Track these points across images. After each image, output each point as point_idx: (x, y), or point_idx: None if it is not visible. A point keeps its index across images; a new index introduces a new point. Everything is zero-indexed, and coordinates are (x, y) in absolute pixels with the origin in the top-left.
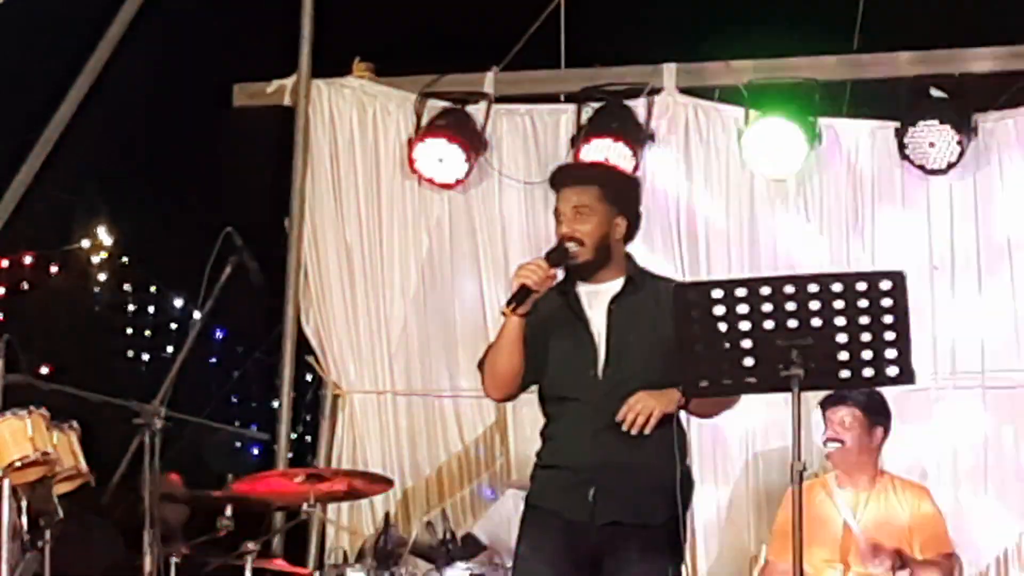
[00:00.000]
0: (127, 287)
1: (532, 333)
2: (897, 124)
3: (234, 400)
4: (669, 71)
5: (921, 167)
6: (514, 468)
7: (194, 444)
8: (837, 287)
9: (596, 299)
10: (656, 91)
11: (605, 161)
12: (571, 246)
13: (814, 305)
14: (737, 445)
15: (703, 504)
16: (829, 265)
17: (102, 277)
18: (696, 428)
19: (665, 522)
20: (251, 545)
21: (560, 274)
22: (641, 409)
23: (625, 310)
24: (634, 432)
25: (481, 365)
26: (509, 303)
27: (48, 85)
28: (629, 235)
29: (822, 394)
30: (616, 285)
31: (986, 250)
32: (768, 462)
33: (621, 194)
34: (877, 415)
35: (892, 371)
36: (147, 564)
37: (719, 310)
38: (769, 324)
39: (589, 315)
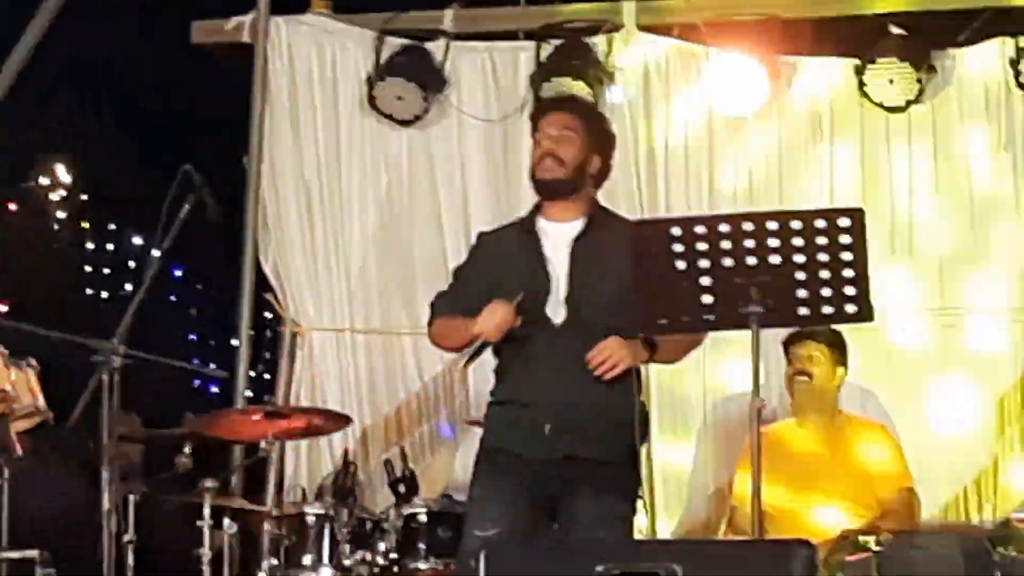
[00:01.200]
0: (86, 225)
1: (490, 270)
2: (857, 61)
3: (192, 338)
4: (628, 8)
5: (880, 104)
6: (473, 405)
7: (153, 382)
8: (796, 224)
9: (557, 238)
10: (615, 28)
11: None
12: (546, 164)
13: (773, 242)
14: (695, 381)
15: (659, 441)
16: (789, 203)
17: (61, 215)
18: (655, 367)
19: (621, 459)
20: (209, 483)
21: (527, 202)
22: (610, 356)
23: (586, 249)
24: (601, 375)
25: (433, 311)
26: (465, 357)
27: (5, 23)
28: (599, 179)
29: (783, 334)
30: (578, 224)
31: (943, 188)
32: (728, 403)
33: (601, 135)
34: (841, 353)
35: (851, 308)
36: (105, 502)
37: (678, 247)
38: (728, 261)
39: (548, 254)
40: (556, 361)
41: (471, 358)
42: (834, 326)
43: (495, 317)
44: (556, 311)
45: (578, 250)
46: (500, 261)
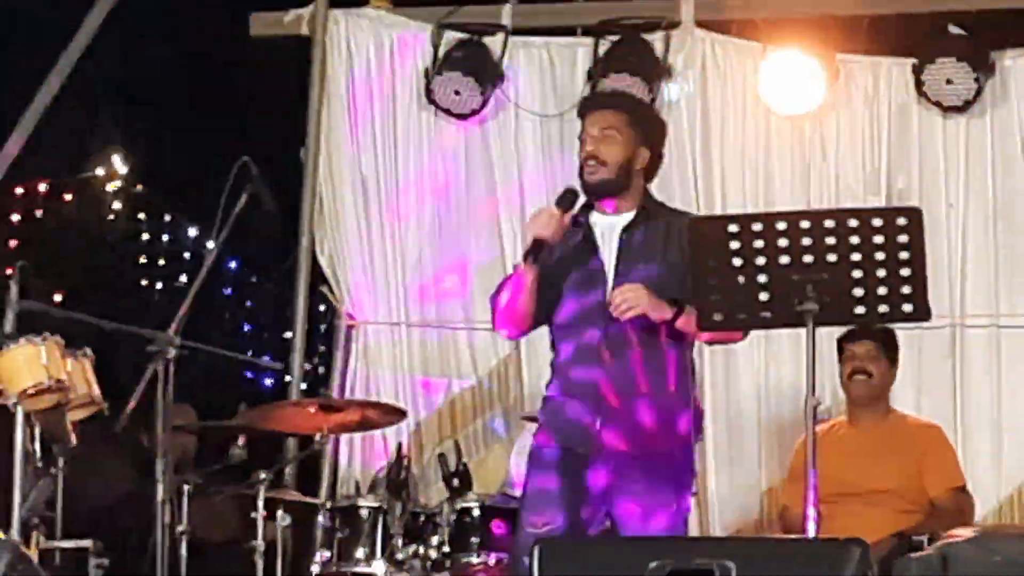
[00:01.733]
0: (141, 216)
1: (549, 269)
2: (915, 61)
3: (247, 329)
4: (687, 4)
5: (938, 104)
6: (527, 401)
7: (208, 373)
8: (853, 223)
9: (609, 230)
10: (674, 25)
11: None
12: (590, 166)
13: (830, 240)
14: (749, 379)
15: (713, 438)
16: (845, 202)
17: (116, 205)
18: (708, 360)
19: (674, 452)
20: (263, 475)
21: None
22: (629, 297)
23: (635, 240)
24: (614, 314)
25: (493, 300)
26: (525, 258)
27: (64, 13)
28: (650, 171)
29: (837, 332)
30: (627, 217)
31: (1000, 190)
32: (780, 396)
33: (647, 126)
34: (894, 353)
35: (907, 307)
36: (159, 492)
37: (735, 244)
38: (784, 259)
39: (600, 245)
40: (606, 352)
41: (533, 258)
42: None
43: (541, 216)
44: (603, 303)
45: (626, 240)
46: (557, 256)
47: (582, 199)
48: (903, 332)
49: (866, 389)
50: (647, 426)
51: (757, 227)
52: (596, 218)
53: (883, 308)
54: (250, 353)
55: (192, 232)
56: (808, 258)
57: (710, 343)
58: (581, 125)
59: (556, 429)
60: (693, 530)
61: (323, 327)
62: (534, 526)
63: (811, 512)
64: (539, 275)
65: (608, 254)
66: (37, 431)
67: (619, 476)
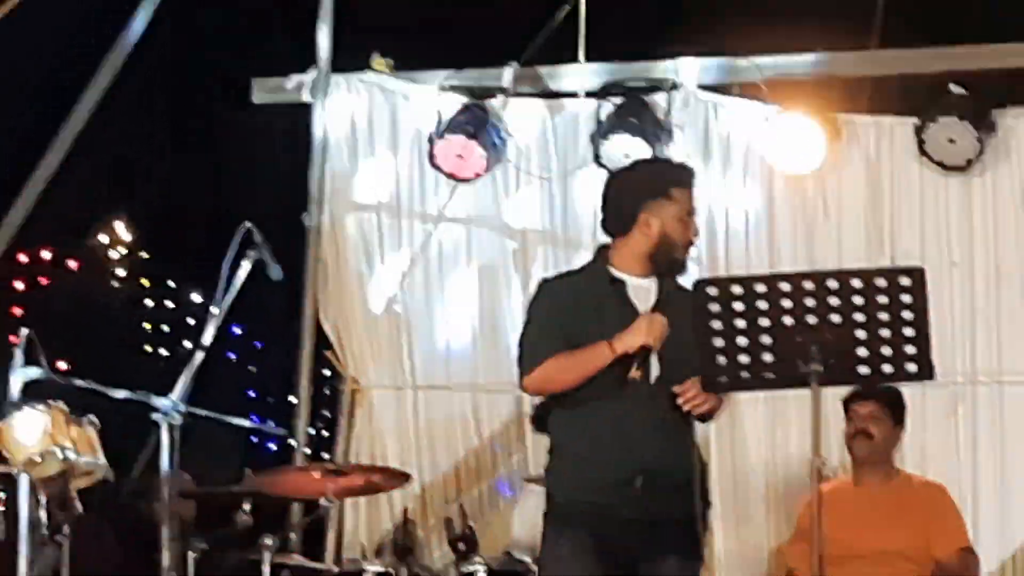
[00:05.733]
0: (145, 282)
1: (577, 318)
2: (916, 120)
3: (252, 395)
4: (689, 66)
5: (940, 163)
6: (531, 463)
7: (211, 439)
8: (857, 283)
9: (644, 293)
10: (676, 86)
11: None
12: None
13: (833, 301)
14: (755, 439)
15: (720, 498)
16: (848, 262)
17: (120, 272)
18: (715, 428)
19: (693, 517)
20: (269, 540)
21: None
22: (701, 397)
23: (670, 307)
24: (685, 407)
25: (534, 354)
26: (631, 362)
27: (68, 81)
28: None
29: (841, 392)
30: (651, 281)
31: (1003, 248)
32: (787, 457)
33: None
34: (900, 413)
35: (911, 367)
36: (165, 559)
37: (738, 306)
38: (788, 320)
39: (635, 303)
40: (645, 421)
41: (639, 366)
42: (892, 384)
43: (653, 324)
44: (651, 366)
45: (664, 306)
46: (585, 309)
47: None
48: (907, 392)
49: (868, 449)
50: (681, 490)
51: (761, 288)
52: (621, 276)
53: (887, 368)
54: (254, 418)
55: (195, 298)
56: (812, 319)
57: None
58: (672, 197)
59: (583, 488)
60: None
61: (327, 391)
62: None
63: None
64: (568, 325)
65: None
66: (42, 499)
67: (652, 541)
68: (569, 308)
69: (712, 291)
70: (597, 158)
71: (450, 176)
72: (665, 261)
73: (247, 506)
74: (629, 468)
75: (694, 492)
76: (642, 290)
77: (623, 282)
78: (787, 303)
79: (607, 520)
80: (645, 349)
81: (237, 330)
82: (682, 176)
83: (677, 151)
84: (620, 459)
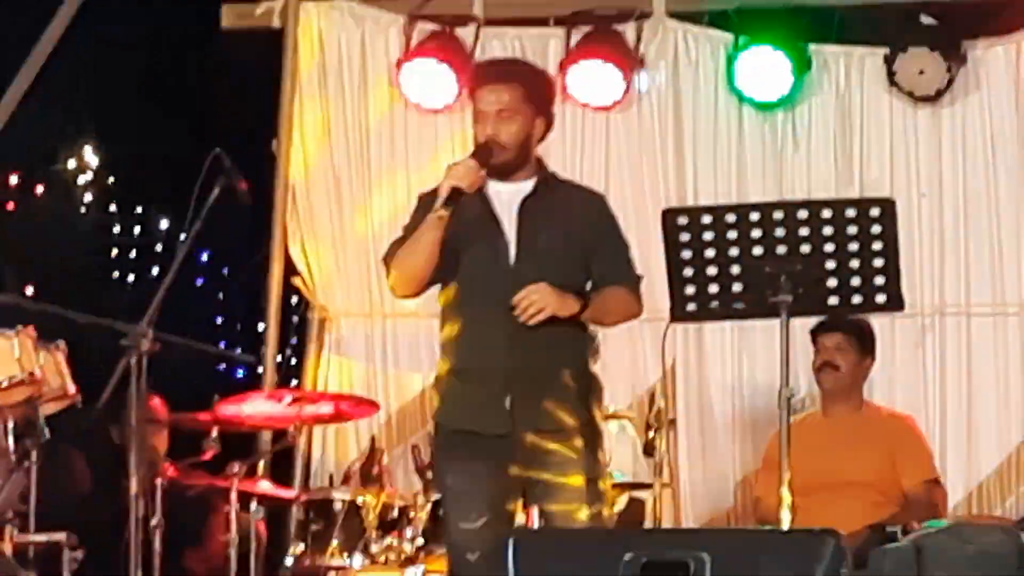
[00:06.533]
0: (113, 208)
1: (444, 232)
2: (886, 50)
3: (219, 322)
4: None
5: (910, 94)
6: None
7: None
8: (827, 213)
9: (508, 199)
10: (645, 15)
11: (523, 59)
12: (497, 157)
13: (803, 231)
14: (722, 370)
15: (686, 430)
16: (818, 192)
17: (88, 198)
18: (681, 352)
19: (579, 426)
20: (237, 467)
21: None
22: (536, 300)
23: (536, 211)
24: (521, 319)
25: (387, 261)
26: (443, 205)
27: (36, 5)
28: (544, 136)
29: (810, 324)
30: (527, 186)
31: (971, 179)
32: (753, 387)
33: (542, 95)
34: (868, 344)
35: (881, 298)
36: (133, 486)
37: (708, 235)
38: (758, 250)
39: (500, 214)
40: (508, 326)
41: (452, 207)
42: (862, 315)
43: (459, 166)
44: (507, 272)
45: (526, 211)
46: (453, 220)
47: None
48: (876, 323)
49: (834, 381)
50: (553, 400)
51: (730, 218)
52: (493, 186)
53: (857, 299)
54: (223, 345)
55: (163, 224)
56: (782, 249)
57: (604, 325)
58: (475, 96)
59: (461, 412)
60: (667, 522)
61: (295, 318)
62: (467, 521)
63: (785, 503)
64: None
65: (508, 224)
66: (10, 425)
67: (532, 454)
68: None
69: (682, 220)
70: (564, 88)
71: (417, 106)
72: (485, 165)
73: (215, 433)
74: (499, 383)
75: (578, 398)
76: (512, 196)
77: (485, 193)
78: (757, 233)
79: (487, 442)
80: (456, 191)
81: (204, 256)
82: (474, 79)
83: (646, 80)
84: (490, 371)
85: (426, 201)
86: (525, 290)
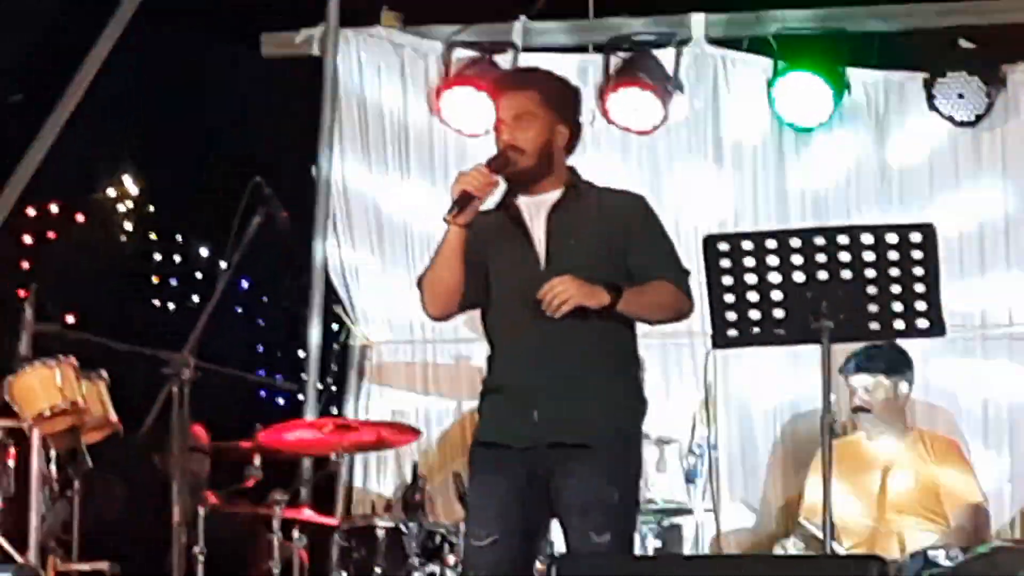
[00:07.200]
0: (153, 236)
1: (474, 252)
2: (926, 75)
3: (260, 349)
4: (698, 21)
5: (950, 118)
6: None
7: (220, 393)
8: (867, 239)
9: (537, 209)
10: (684, 41)
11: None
12: (511, 167)
13: (844, 257)
14: (764, 395)
15: (728, 454)
16: (858, 217)
17: (128, 226)
18: (722, 377)
19: (609, 443)
20: (279, 495)
21: (502, 184)
22: (560, 291)
23: (564, 217)
24: (547, 312)
25: (420, 283)
26: (451, 210)
27: (77, 33)
28: (571, 145)
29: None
30: (555, 195)
31: (1013, 202)
32: (796, 412)
33: (562, 101)
34: (900, 372)
35: (922, 323)
36: (175, 514)
37: (749, 261)
38: (799, 276)
39: (530, 226)
40: (540, 338)
41: (458, 211)
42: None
43: (470, 172)
44: (536, 280)
45: (555, 218)
46: (483, 239)
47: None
48: (918, 343)
49: (870, 421)
50: (583, 413)
51: (771, 244)
52: (523, 199)
53: (898, 324)
54: (263, 373)
55: (204, 252)
56: (823, 275)
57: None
58: (495, 106)
59: (493, 425)
60: (707, 547)
61: (336, 346)
62: (477, 539)
63: (828, 528)
64: (464, 248)
65: (538, 233)
66: (53, 453)
67: (557, 467)
68: (476, 241)
69: (723, 247)
70: (606, 113)
71: (457, 132)
72: (501, 172)
73: (257, 461)
74: (528, 396)
75: (610, 413)
76: (541, 206)
77: (515, 204)
78: (798, 259)
79: (514, 454)
80: (466, 195)
81: (245, 284)
82: (500, 84)
83: (686, 106)
84: (520, 386)
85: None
86: (548, 283)
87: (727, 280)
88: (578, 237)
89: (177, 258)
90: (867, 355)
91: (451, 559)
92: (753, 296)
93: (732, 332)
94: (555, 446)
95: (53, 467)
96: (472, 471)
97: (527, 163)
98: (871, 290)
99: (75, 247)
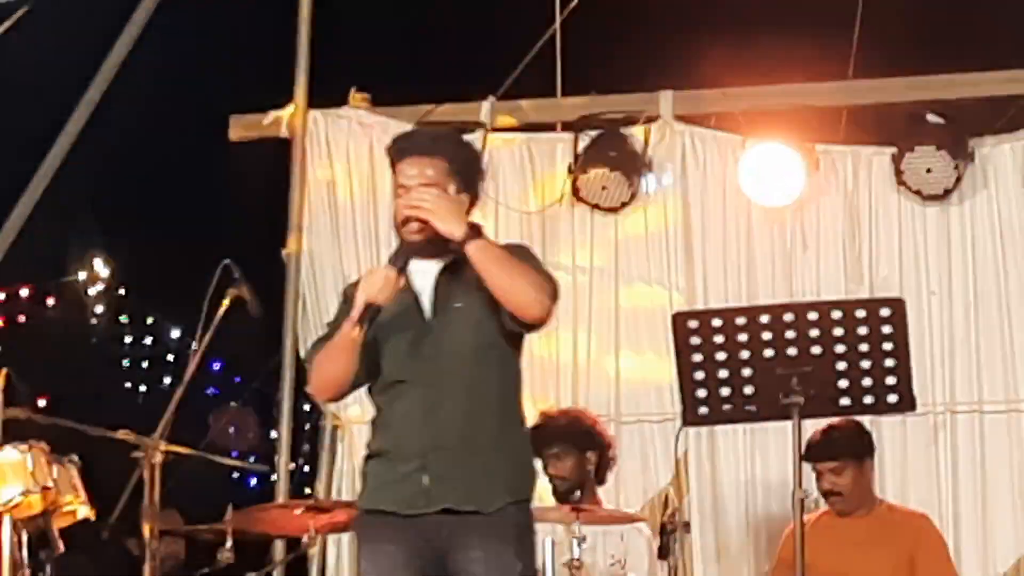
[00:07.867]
0: (124, 318)
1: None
2: (894, 150)
3: (231, 431)
4: (666, 98)
5: (918, 193)
6: None
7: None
8: (836, 314)
9: (427, 275)
10: (653, 119)
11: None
12: (413, 234)
13: (813, 333)
14: (734, 471)
15: (699, 530)
16: (827, 292)
17: (99, 309)
18: (694, 454)
19: (504, 508)
20: None
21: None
22: (428, 199)
23: (452, 276)
24: (405, 212)
25: (308, 360)
26: (358, 322)
27: (45, 118)
28: (471, 210)
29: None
30: (448, 257)
31: (981, 277)
32: (767, 488)
33: (468, 170)
34: (864, 452)
35: (892, 398)
36: None
37: (719, 338)
38: (769, 352)
39: (418, 288)
40: (427, 400)
41: (367, 324)
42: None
43: (374, 277)
44: (421, 330)
45: (442, 279)
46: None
47: None
48: (887, 420)
49: (841, 503)
50: (474, 479)
51: (740, 321)
52: (414, 264)
53: (868, 399)
54: (236, 454)
55: (174, 334)
56: (792, 351)
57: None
58: (396, 168)
59: (378, 492)
60: None
61: (308, 427)
62: None
63: None
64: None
65: (426, 296)
66: (24, 538)
67: (453, 538)
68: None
69: (692, 324)
70: (576, 191)
71: None
72: (406, 256)
73: (229, 543)
74: (416, 461)
75: (505, 479)
76: (431, 270)
77: (406, 271)
78: (767, 335)
79: (404, 522)
80: (370, 306)
81: (216, 366)
82: (397, 147)
83: (654, 182)
84: (408, 449)
85: (351, 294)
86: (416, 191)
87: (697, 357)
88: (465, 293)
89: (148, 340)
90: (827, 441)
91: None
92: (723, 373)
93: (703, 409)
94: (447, 513)
95: (25, 551)
96: (360, 539)
97: (430, 234)
98: (841, 365)
99: (46, 330)
